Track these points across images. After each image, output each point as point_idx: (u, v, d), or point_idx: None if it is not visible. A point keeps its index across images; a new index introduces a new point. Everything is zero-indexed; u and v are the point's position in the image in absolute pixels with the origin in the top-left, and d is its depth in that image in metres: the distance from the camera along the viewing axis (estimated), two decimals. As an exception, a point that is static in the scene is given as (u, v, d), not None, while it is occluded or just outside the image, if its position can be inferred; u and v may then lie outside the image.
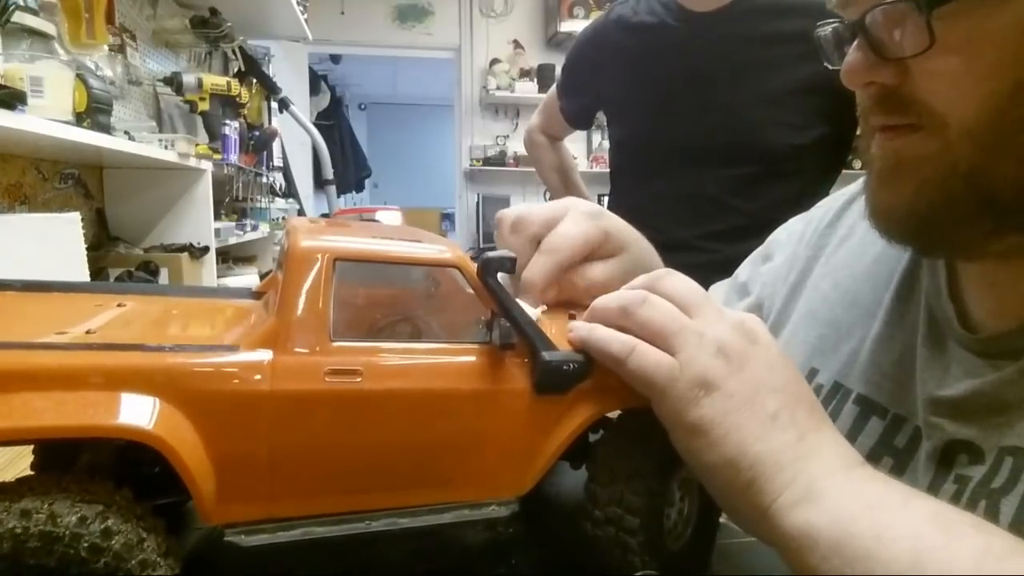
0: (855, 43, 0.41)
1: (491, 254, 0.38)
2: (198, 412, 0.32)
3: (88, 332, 0.36)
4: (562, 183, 1.58)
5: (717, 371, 0.37)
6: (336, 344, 0.35)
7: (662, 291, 0.40)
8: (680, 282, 0.41)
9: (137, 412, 0.31)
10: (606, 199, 1.48)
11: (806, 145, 1.08)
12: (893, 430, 0.48)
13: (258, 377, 0.33)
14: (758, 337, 0.39)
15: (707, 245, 1.14)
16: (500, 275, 0.38)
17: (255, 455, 0.33)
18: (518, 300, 0.39)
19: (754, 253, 0.73)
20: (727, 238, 1.12)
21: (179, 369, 0.33)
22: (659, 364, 0.37)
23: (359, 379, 0.35)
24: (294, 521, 0.35)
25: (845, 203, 0.63)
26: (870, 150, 0.44)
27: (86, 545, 0.29)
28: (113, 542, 0.30)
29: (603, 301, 0.41)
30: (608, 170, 1.39)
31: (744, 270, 0.73)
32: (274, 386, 0.33)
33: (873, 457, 0.48)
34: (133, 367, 0.32)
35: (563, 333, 0.41)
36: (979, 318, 0.46)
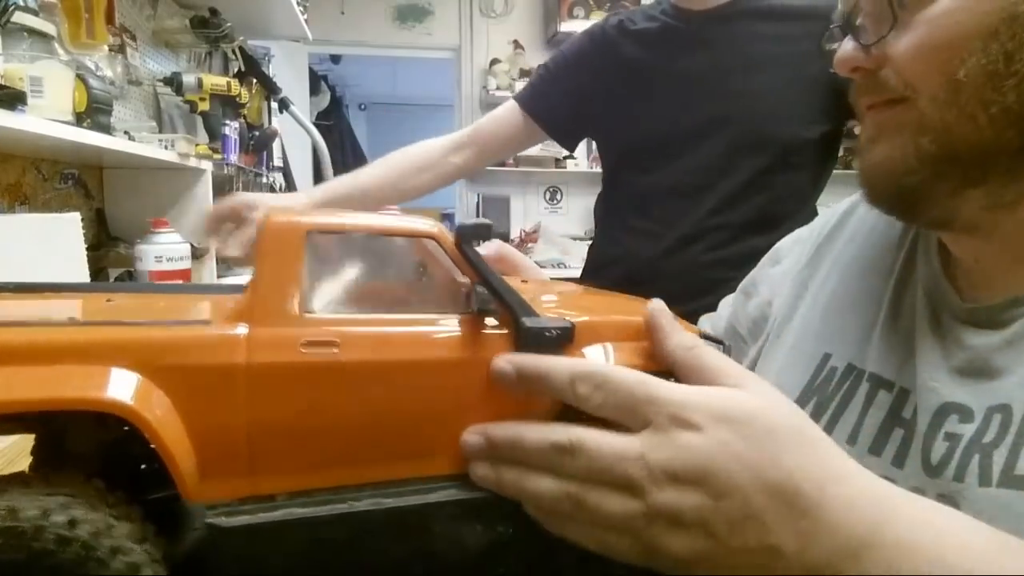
0: (846, 38, 0.49)
1: (467, 222, 0.38)
2: (174, 386, 0.32)
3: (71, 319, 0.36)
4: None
5: (683, 549, 0.34)
6: (312, 316, 0.35)
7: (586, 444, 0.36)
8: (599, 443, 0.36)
9: (112, 385, 0.31)
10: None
11: (811, 140, 1.12)
12: (900, 402, 0.51)
13: (234, 349, 0.33)
14: (696, 474, 0.34)
15: (717, 237, 1.15)
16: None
17: (233, 429, 0.33)
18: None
19: (764, 258, 0.77)
20: (736, 231, 1.14)
21: (154, 342, 0.32)
22: (627, 555, 0.35)
23: (336, 350, 0.35)
24: (276, 502, 0.34)
25: (848, 209, 0.67)
26: (862, 131, 0.51)
27: (52, 536, 0.29)
28: (80, 531, 0.30)
29: (512, 435, 0.37)
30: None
31: (754, 273, 0.77)
32: (250, 358, 0.33)
33: (885, 429, 0.51)
34: (108, 341, 0.32)
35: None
36: (970, 294, 0.51)
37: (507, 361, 0.37)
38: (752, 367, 0.69)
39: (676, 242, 1.16)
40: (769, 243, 0.77)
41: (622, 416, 0.36)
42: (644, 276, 1.16)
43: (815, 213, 1.17)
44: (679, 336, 0.39)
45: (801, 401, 0.58)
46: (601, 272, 1.29)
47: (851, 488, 0.34)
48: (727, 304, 0.79)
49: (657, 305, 0.41)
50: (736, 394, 0.36)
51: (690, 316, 0.51)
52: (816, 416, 0.56)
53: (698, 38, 1.15)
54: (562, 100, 1.30)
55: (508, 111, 1.33)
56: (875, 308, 0.57)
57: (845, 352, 0.58)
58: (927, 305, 0.53)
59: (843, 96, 1.05)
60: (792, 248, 0.73)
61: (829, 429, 0.54)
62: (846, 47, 0.49)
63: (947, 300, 0.51)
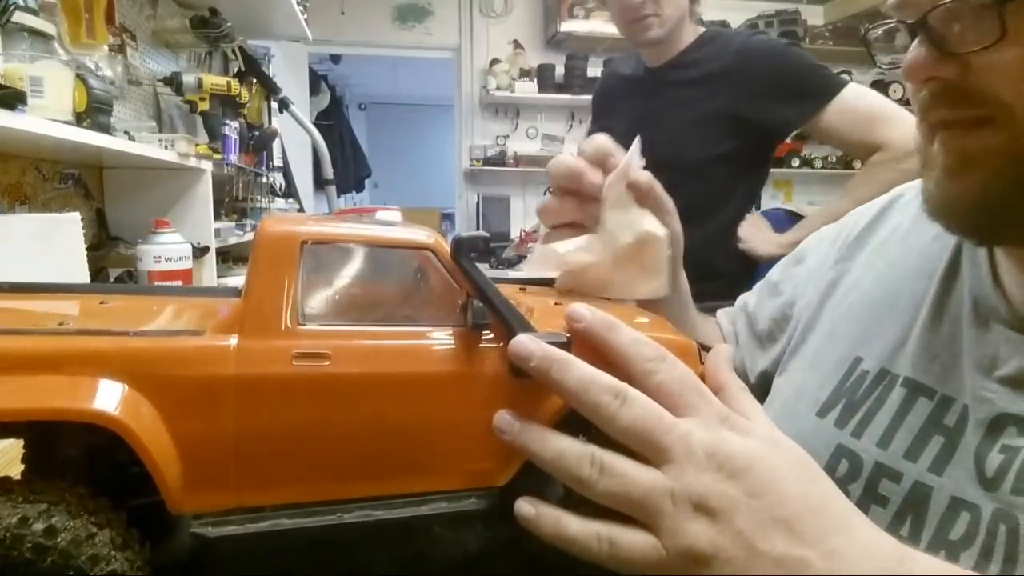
0: (915, 41, 0.42)
1: (464, 234, 0.37)
2: (162, 397, 0.32)
3: (60, 324, 0.36)
4: None
5: (703, 538, 0.33)
6: (304, 328, 0.34)
7: (621, 422, 0.35)
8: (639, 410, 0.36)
9: (99, 396, 0.30)
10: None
11: (713, 156, 1.54)
12: (941, 410, 0.49)
13: (223, 361, 0.33)
14: (736, 465, 0.34)
15: None
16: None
17: (221, 441, 0.33)
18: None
19: (787, 257, 0.76)
20: None
21: (142, 354, 0.32)
22: (642, 550, 0.34)
23: (327, 363, 0.34)
24: (264, 512, 0.34)
25: (880, 210, 0.66)
26: (931, 148, 0.45)
27: (29, 545, 0.29)
28: (59, 540, 0.30)
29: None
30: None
31: (776, 271, 0.76)
32: (239, 370, 0.33)
33: (923, 435, 0.49)
34: (96, 351, 0.32)
35: (547, 318, 0.40)
36: (1022, 301, 0.47)
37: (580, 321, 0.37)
38: (773, 368, 0.68)
39: None
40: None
41: (675, 398, 0.37)
42: None
43: (743, 207, 1.60)
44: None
45: (829, 403, 0.56)
46: None
47: (871, 525, 0.35)
48: (745, 301, 0.77)
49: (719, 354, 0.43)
50: (776, 429, 0.38)
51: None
52: (845, 419, 0.54)
53: (648, 87, 1.64)
54: (594, 128, 1.85)
55: None
56: (912, 312, 0.54)
57: (878, 356, 0.56)
58: (974, 312, 0.50)
59: (748, 119, 1.39)
60: (816, 247, 0.71)
61: (858, 433, 0.53)
62: (920, 53, 0.42)
63: (999, 309, 0.48)
